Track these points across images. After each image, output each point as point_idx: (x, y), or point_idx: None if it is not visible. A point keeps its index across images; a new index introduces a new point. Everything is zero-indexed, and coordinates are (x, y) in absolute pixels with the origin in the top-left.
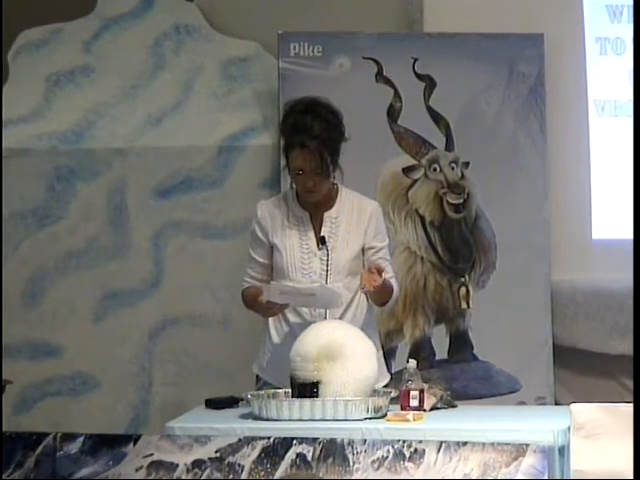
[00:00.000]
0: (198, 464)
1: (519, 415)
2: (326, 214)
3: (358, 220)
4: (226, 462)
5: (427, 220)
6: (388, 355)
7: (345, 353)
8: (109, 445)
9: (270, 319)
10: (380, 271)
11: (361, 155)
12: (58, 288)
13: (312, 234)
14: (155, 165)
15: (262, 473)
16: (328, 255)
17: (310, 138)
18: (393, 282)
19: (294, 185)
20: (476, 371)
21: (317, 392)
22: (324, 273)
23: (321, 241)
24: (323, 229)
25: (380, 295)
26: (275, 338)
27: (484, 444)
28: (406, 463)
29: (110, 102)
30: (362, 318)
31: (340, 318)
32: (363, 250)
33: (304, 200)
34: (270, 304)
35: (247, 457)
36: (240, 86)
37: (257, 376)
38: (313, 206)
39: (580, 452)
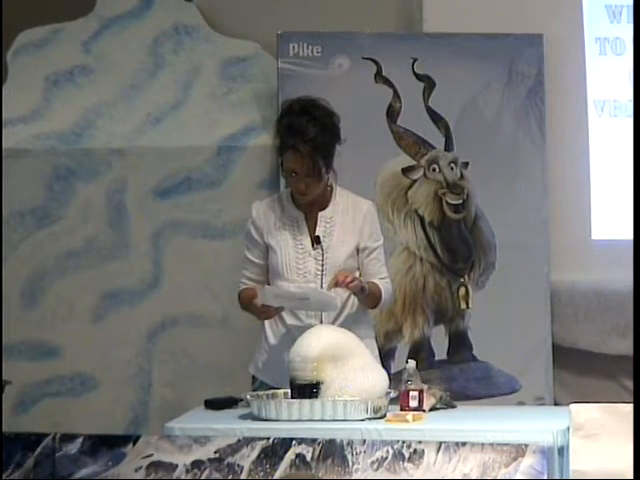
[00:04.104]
0: (197, 465)
1: (518, 415)
2: (321, 214)
3: (353, 220)
4: (225, 463)
5: (426, 220)
6: (387, 355)
7: (346, 355)
8: (108, 445)
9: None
10: (345, 282)
11: (360, 155)
12: (57, 288)
13: (307, 234)
14: (154, 165)
15: (261, 474)
16: (323, 255)
17: (303, 141)
18: (383, 284)
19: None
20: (475, 371)
21: (316, 393)
22: (319, 273)
23: (316, 241)
24: (318, 229)
25: (365, 300)
26: (271, 339)
27: (483, 444)
28: (405, 464)
29: (109, 102)
30: (357, 318)
31: (336, 318)
32: (358, 250)
33: (298, 200)
34: (265, 307)
35: (246, 458)
36: (239, 86)
37: (253, 377)
38: (308, 206)
39: (579, 452)
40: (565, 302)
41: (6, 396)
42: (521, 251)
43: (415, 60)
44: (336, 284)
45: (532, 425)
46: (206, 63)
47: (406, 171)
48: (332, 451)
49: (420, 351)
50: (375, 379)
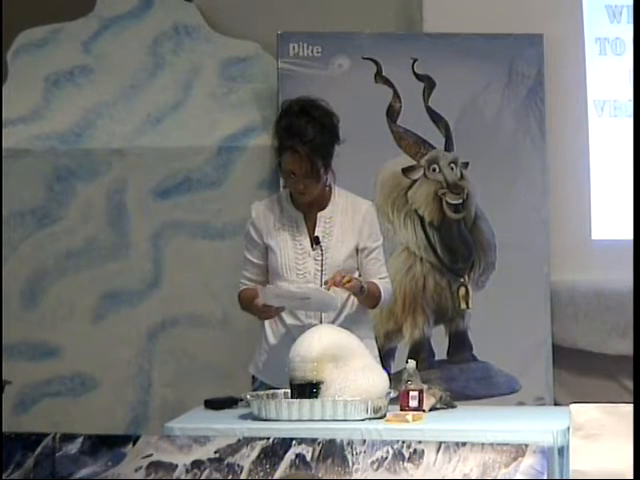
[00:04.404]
0: (197, 464)
1: (518, 415)
2: (320, 214)
3: (352, 220)
4: (225, 463)
5: (426, 220)
6: (387, 355)
7: (346, 355)
8: (108, 445)
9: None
10: (342, 282)
11: (360, 155)
12: (57, 288)
13: (306, 234)
14: (154, 165)
15: (261, 474)
16: (322, 255)
17: (302, 143)
18: (383, 284)
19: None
20: (475, 371)
21: (316, 392)
22: (318, 273)
23: (315, 241)
24: (317, 229)
25: (364, 300)
26: (271, 339)
27: (483, 444)
28: (405, 464)
29: (109, 102)
30: (357, 319)
31: (335, 318)
32: (357, 250)
33: (298, 201)
34: (265, 307)
35: (246, 458)
36: (239, 86)
37: (253, 377)
38: (307, 206)
39: (579, 452)
40: (565, 302)
41: (6, 396)
42: (521, 251)
43: (415, 60)
44: (333, 284)
45: (532, 425)
46: (206, 63)
47: (406, 171)
48: (332, 451)
49: (420, 351)
50: (375, 380)
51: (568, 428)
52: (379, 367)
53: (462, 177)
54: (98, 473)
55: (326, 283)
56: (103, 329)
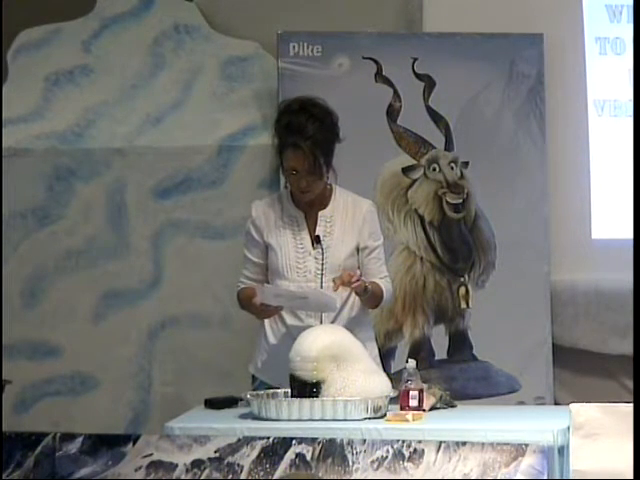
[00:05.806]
0: (197, 464)
1: (518, 415)
2: (320, 213)
3: (352, 219)
4: (225, 462)
5: (426, 220)
6: (387, 355)
7: (347, 355)
8: (108, 445)
9: (266, 319)
10: (351, 282)
11: (360, 155)
12: (58, 288)
13: (307, 234)
14: (154, 165)
15: (261, 473)
16: (323, 254)
17: (304, 139)
18: (384, 283)
19: (288, 185)
20: (475, 371)
21: (317, 392)
22: (319, 272)
23: (316, 240)
24: (318, 228)
25: (367, 300)
26: (271, 338)
27: (483, 444)
28: (405, 463)
29: (109, 102)
30: (357, 319)
31: (335, 318)
32: (358, 249)
33: (298, 200)
34: (264, 306)
35: (246, 457)
36: (239, 86)
37: (253, 376)
38: (307, 206)
39: (579, 452)
40: (565, 302)
41: (6, 396)
42: (521, 251)
43: (415, 60)
44: (342, 284)
45: (532, 425)
46: (206, 63)
47: (406, 171)
48: (332, 451)
49: (420, 350)
50: (376, 382)
51: (568, 428)
52: (379, 369)
53: (462, 177)
54: (98, 473)
55: (334, 282)
56: (103, 329)
